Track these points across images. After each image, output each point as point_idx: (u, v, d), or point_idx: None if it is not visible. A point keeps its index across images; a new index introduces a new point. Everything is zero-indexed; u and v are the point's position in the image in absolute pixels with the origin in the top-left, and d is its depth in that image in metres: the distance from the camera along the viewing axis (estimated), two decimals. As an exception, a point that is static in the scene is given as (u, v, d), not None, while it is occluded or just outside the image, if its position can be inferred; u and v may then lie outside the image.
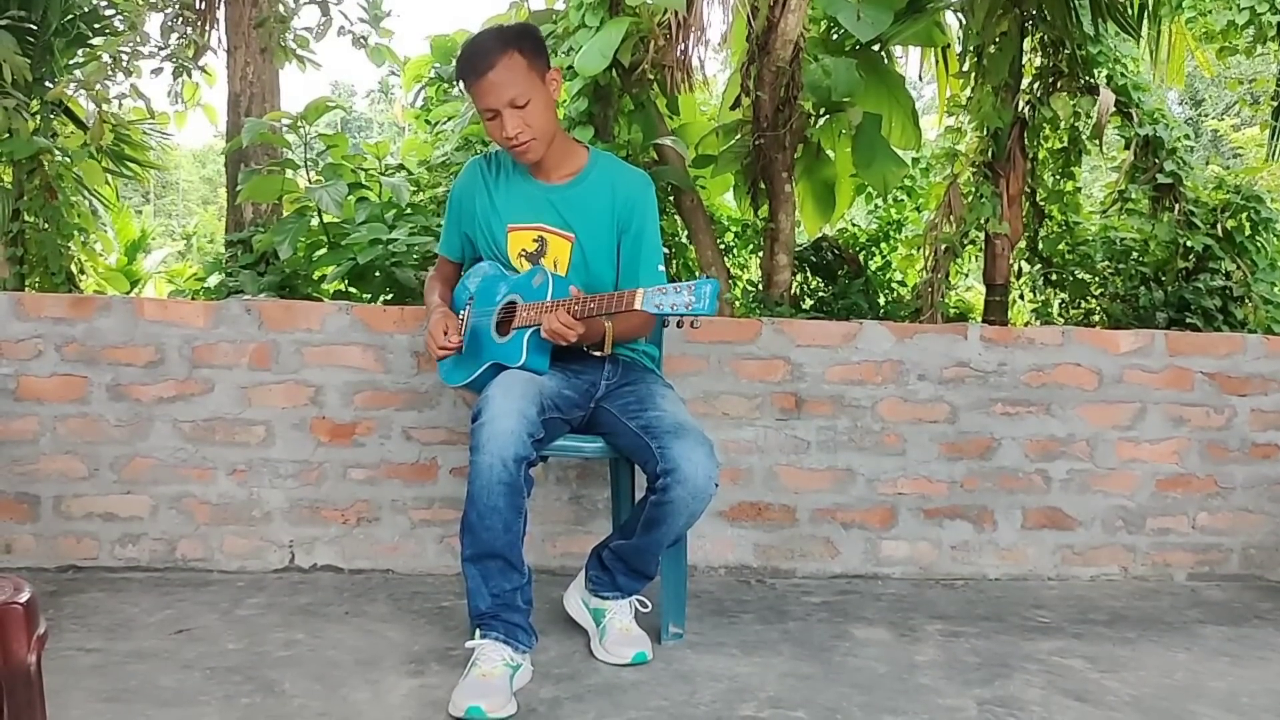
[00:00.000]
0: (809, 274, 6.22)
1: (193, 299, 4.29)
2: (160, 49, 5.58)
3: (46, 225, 5.39)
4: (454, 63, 2.50)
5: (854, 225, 7.56)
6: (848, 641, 2.55)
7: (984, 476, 3.20)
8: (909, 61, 6.51)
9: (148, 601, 2.70)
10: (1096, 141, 5.71)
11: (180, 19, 5.67)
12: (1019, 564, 3.22)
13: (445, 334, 2.42)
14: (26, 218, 5.40)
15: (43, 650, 1.14)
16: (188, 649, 2.34)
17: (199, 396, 2.99)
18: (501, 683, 2.06)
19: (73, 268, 5.63)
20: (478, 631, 2.18)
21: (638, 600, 2.47)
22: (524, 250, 2.45)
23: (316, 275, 4.45)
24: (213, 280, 4.87)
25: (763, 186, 5.27)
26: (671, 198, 5.25)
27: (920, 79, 6.69)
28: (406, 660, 2.31)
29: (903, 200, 7.28)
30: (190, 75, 5.88)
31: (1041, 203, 5.96)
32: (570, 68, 4.58)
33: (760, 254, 5.98)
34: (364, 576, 3.00)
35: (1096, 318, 5.91)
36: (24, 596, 1.12)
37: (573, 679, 2.23)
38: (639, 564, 2.37)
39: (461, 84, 2.46)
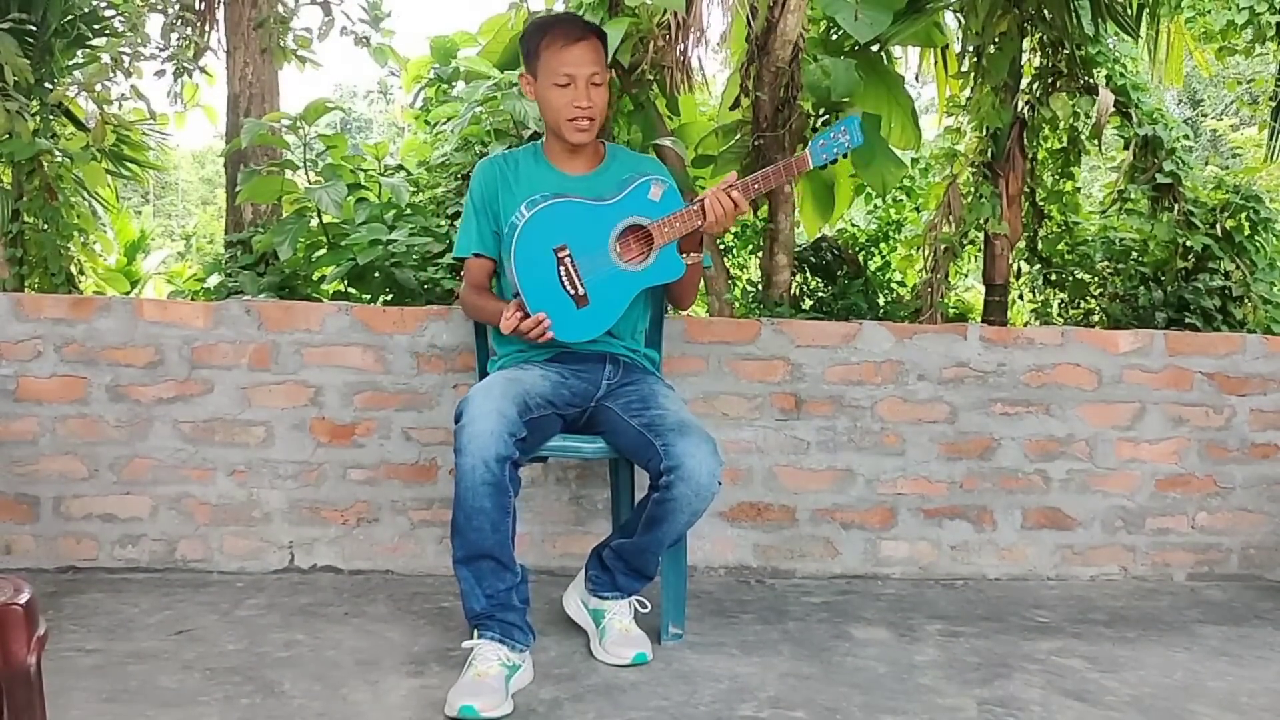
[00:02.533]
0: (808, 274, 6.21)
1: (192, 299, 4.29)
2: (160, 50, 5.58)
3: (46, 226, 5.39)
4: (531, 32, 2.49)
5: (853, 225, 7.55)
6: (847, 642, 2.55)
7: (983, 476, 3.20)
8: (908, 61, 6.50)
9: (147, 602, 2.70)
10: (1096, 141, 5.71)
11: (180, 20, 5.67)
12: (1018, 564, 3.22)
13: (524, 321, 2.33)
14: (26, 218, 5.39)
15: (42, 651, 1.14)
16: (187, 649, 2.34)
17: (199, 397, 2.99)
18: (497, 682, 2.06)
19: (72, 269, 5.62)
20: (475, 632, 2.18)
21: (637, 601, 2.47)
22: None
23: (316, 276, 4.45)
24: (212, 281, 4.86)
25: (762, 186, 5.26)
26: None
27: (917, 79, 6.68)
28: (406, 661, 2.31)
29: (902, 200, 7.28)
30: (190, 76, 5.87)
31: (1041, 203, 5.96)
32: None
33: (760, 254, 5.98)
34: (364, 577, 3.00)
35: (1096, 318, 5.91)
36: (24, 597, 1.12)
37: (572, 679, 2.23)
38: (639, 563, 2.37)
39: (539, 46, 2.43)
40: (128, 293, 7.78)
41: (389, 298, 4.10)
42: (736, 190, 2.31)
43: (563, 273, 2.33)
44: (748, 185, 2.34)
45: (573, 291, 2.33)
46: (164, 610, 2.64)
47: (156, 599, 2.73)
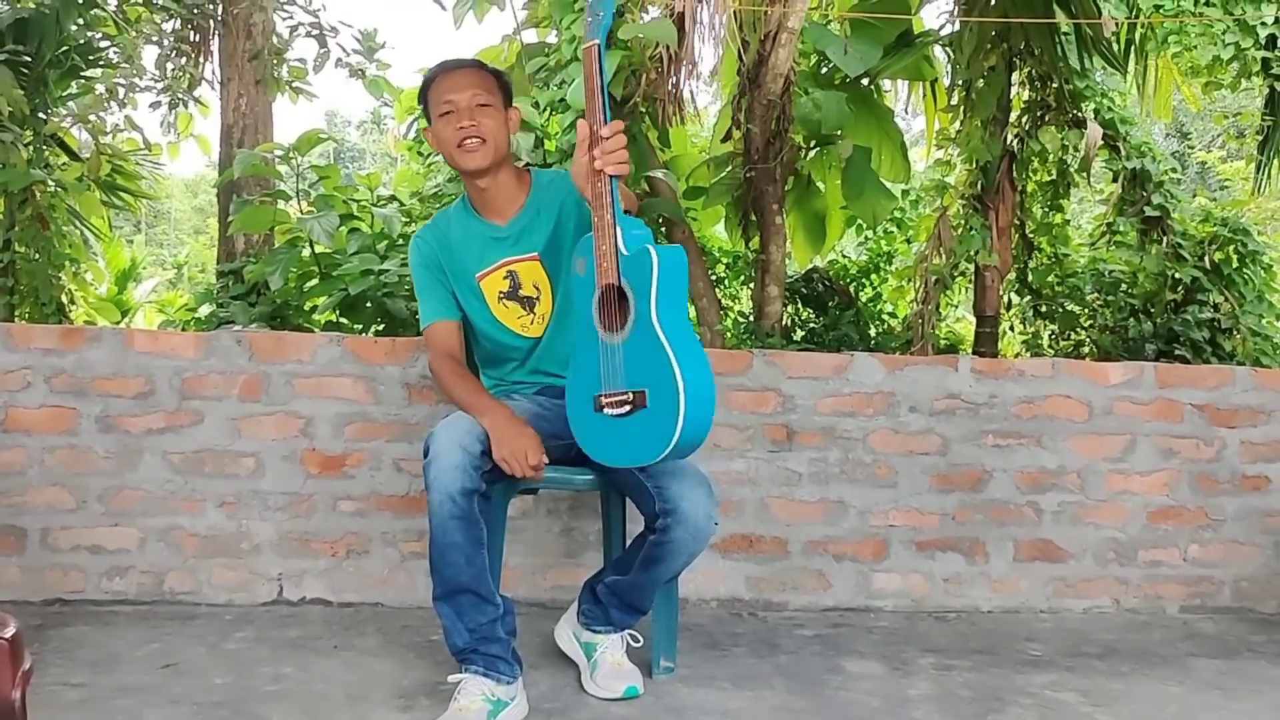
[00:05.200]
0: (800, 305, 6.24)
1: (184, 329, 4.28)
2: (155, 81, 5.61)
3: (38, 256, 5.38)
4: (420, 88, 2.46)
5: (845, 257, 7.59)
6: (840, 675, 2.54)
7: (975, 508, 3.20)
8: (897, 94, 6.57)
9: (134, 635, 2.67)
10: (1085, 174, 5.75)
11: (175, 51, 5.70)
12: (1011, 596, 3.21)
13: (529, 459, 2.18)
14: (18, 248, 5.38)
15: (28, 686, 1.13)
16: (174, 683, 2.32)
17: (189, 428, 2.98)
18: (477, 717, 2.06)
19: (63, 298, 5.61)
20: (460, 667, 2.17)
21: (629, 634, 2.45)
22: (501, 292, 2.44)
23: (308, 306, 4.45)
24: (204, 310, 4.87)
25: (754, 218, 5.30)
26: (663, 229, 5.27)
27: (906, 112, 6.75)
28: (395, 695, 2.29)
29: (893, 232, 7.33)
30: (185, 107, 5.90)
31: (1031, 235, 6.00)
32: (562, 100, 4.61)
33: (751, 285, 6.00)
34: (353, 609, 2.98)
35: (1086, 349, 5.93)
36: (9, 632, 1.11)
37: (563, 713, 2.21)
38: (634, 599, 2.35)
39: (424, 94, 2.41)
40: (118, 322, 7.77)
41: (381, 328, 4.10)
42: (600, 133, 2.10)
43: (614, 411, 2.09)
44: (593, 111, 2.11)
45: (628, 408, 2.07)
46: (151, 643, 2.61)
47: (144, 632, 2.71)
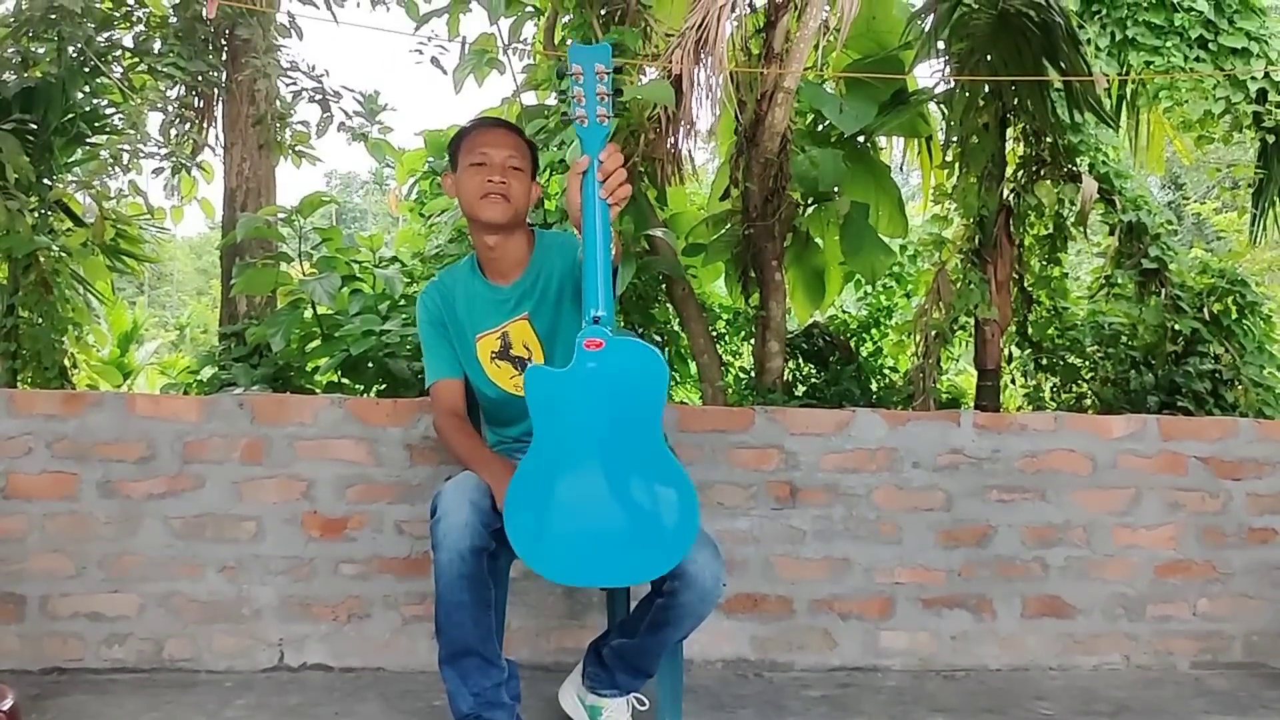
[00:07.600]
0: (801, 361, 6.24)
1: (185, 392, 4.29)
2: (160, 147, 5.68)
3: (41, 320, 5.39)
4: (454, 137, 2.49)
5: (844, 312, 7.62)
6: (848, 737, 2.50)
7: (981, 564, 3.17)
8: (893, 151, 6.64)
9: (133, 704, 2.64)
10: (1081, 228, 5.79)
11: (179, 117, 5.78)
12: (1020, 654, 3.17)
13: None
14: (21, 313, 5.40)
15: (25, 763, 1.11)
16: (173, 754, 2.29)
17: (190, 492, 2.97)
18: None
19: (65, 362, 5.61)
20: (464, 734, 2.14)
21: (635, 697, 2.42)
22: (493, 352, 2.45)
23: (310, 367, 4.45)
24: (206, 372, 4.88)
25: (753, 274, 5.33)
26: (663, 287, 5.30)
27: (903, 168, 6.81)
28: (397, 763, 2.26)
29: (892, 287, 7.36)
30: (189, 172, 5.96)
31: (1029, 288, 6.01)
32: (562, 161, 4.66)
33: (752, 341, 6.01)
34: (354, 675, 2.95)
35: (1088, 402, 5.92)
36: (7, 705, 1.10)
37: (568, 781, 2.18)
38: (640, 663, 2.33)
39: (460, 141, 2.45)
40: (120, 384, 7.77)
41: (382, 388, 4.11)
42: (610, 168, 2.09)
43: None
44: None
45: None
46: (150, 712, 2.58)
47: (143, 701, 2.67)
